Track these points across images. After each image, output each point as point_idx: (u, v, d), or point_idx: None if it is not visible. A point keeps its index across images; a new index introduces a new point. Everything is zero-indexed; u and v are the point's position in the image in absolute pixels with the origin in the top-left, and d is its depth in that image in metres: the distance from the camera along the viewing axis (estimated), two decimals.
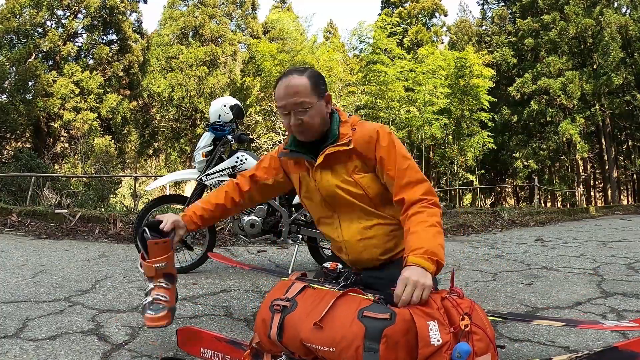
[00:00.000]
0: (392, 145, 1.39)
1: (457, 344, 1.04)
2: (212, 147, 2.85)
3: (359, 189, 1.41)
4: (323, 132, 1.45)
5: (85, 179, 11.39)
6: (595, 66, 17.66)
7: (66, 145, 18.09)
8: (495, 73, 16.68)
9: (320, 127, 1.43)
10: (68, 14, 17.98)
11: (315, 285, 1.26)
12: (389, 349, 1.05)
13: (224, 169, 2.78)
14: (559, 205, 19.97)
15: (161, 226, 1.46)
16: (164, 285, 1.42)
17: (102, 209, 6.69)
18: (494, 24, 22.22)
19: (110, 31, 19.13)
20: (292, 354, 1.17)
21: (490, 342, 1.09)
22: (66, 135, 18.26)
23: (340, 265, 1.37)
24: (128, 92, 19.95)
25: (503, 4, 22.73)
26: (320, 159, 1.40)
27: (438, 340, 1.04)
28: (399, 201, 1.36)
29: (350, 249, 1.44)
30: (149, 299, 1.40)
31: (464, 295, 1.17)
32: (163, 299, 1.40)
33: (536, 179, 19.61)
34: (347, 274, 1.34)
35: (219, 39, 23.41)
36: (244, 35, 24.54)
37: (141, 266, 1.41)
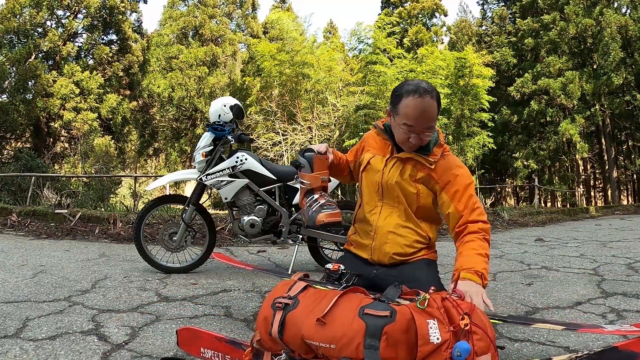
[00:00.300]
0: (466, 182, 1.53)
1: (457, 343, 1.06)
2: (212, 147, 2.85)
3: (414, 192, 1.55)
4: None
5: (85, 179, 11.39)
6: (595, 66, 17.65)
7: (66, 145, 18.10)
8: (495, 73, 16.66)
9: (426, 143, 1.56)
10: (68, 14, 17.98)
11: (317, 286, 1.28)
12: (389, 346, 1.06)
13: (224, 169, 2.78)
14: (559, 205, 19.97)
15: (317, 148, 1.59)
16: (326, 196, 1.57)
17: (102, 209, 6.69)
18: (494, 24, 22.21)
19: (110, 31, 19.12)
20: (292, 352, 1.18)
21: (491, 342, 1.09)
22: (66, 135, 18.26)
23: (342, 267, 1.42)
24: (128, 92, 19.95)
25: (503, 4, 22.72)
26: (402, 154, 1.55)
27: (437, 339, 1.06)
28: (461, 229, 1.50)
29: (379, 235, 1.55)
30: (321, 201, 1.52)
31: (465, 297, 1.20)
32: (331, 202, 1.55)
33: (536, 179, 19.60)
34: (349, 276, 1.39)
35: (219, 39, 23.41)
36: (244, 35, 24.54)
37: (301, 181, 1.56)
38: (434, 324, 1.09)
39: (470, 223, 1.49)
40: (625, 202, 21.10)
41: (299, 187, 1.63)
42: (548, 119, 18.56)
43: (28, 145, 16.82)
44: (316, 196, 1.54)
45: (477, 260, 1.39)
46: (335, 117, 13.53)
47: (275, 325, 1.18)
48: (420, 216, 1.57)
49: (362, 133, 12.20)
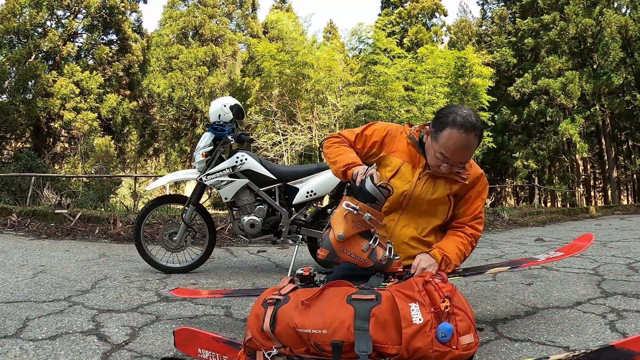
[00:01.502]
0: (482, 191, 1.63)
1: (439, 325, 1.12)
2: (212, 147, 2.84)
3: (447, 207, 1.59)
4: None
5: (85, 179, 11.39)
6: (595, 66, 17.65)
7: (66, 145, 18.10)
8: (495, 73, 16.67)
9: None
10: (68, 14, 17.99)
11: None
12: (378, 327, 1.14)
13: (224, 169, 2.78)
14: (559, 205, 19.96)
15: (377, 179, 1.39)
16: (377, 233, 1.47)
17: (102, 209, 6.69)
18: (494, 24, 22.21)
19: (110, 31, 19.13)
20: (284, 347, 1.19)
21: (471, 323, 1.16)
22: (66, 135, 18.27)
23: (312, 269, 1.47)
24: (128, 92, 19.95)
25: (503, 4, 22.72)
26: (443, 174, 1.53)
27: (420, 319, 1.13)
28: (458, 225, 1.62)
29: (394, 244, 1.51)
30: (389, 246, 1.42)
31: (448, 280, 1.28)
32: (388, 242, 1.48)
33: (536, 179, 19.60)
34: (325, 275, 1.50)
35: (219, 39, 23.41)
36: (244, 35, 24.54)
37: (369, 217, 1.34)
38: (415, 306, 1.16)
39: (469, 226, 1.60)
40: (625, 202, 21.10)
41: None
42: (548, 119, 18.56)
43: (28, 145, 16.83)
44: (378, 238, 1.41)
45: (454, 250, 1.53)
46: (335, 117, 13.53)
47: (267, 320, 1.21)
48: (438, 230, 1.63)
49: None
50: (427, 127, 1.54)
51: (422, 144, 1.57)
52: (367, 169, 1.41)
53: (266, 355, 1.19)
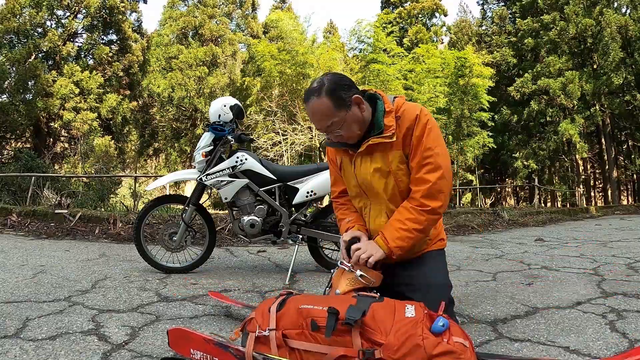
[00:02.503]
0: (422, 134, 1.42)
1: (438, 317, 1.16)
2: (212, 147, 2.84)
3: (391, 180, 1.46)
4: (366, 128, 1.46)
5: (85, 179, 11.39)
6: (595, 66, 17.65)
7: (66, 145, 18.10)
8: (495, 73, 16.67)
9: (361, 130, 1.45)
10: (68, 14, 17.98)
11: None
12: (371, 315, 1.18)
13: (224, 169, 2.78)
14: (559, 205, 19.96)
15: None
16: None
17: (102, 209, 6.69)
18: (494, 24, 22.20)
19: (110, 31, 19.12)
20: (277, 330, 1.21)
21: (467, 339, 1.17)
22: (66, 135, 18.27)
23: None
24: (128, 92, 19.95)
25: (503, 4, 22.71)
26: (362, 147, 1.45)
27: (412, 314, 1.17)
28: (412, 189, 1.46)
29: (373, 237, 1.50)
30: None
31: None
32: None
33: (536, 179, 19.60)
34: None
35: (219, 39, 23.41)
36: (244, 35, 24.54)
37: (362, 276, 1.40)
38: (412, 307, 1.21)
39: (416, 185, 1.43)
40: (625, 202, 21.09)
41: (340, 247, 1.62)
42: (548, 119, 18.55)
43: (28, 145, 16.83)
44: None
45: (396, 233, 1.41)
46: None
47: (276, 303, 1.28)
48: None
49: None
50: None
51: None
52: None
53: (257, 335, 1.21)
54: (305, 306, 1.21)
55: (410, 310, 1.18)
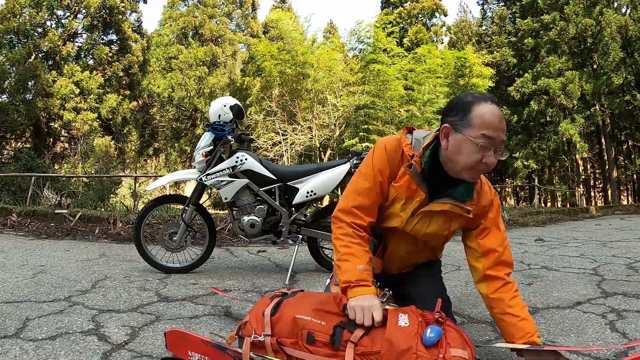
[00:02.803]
0: (497, 217, 1.40)
1: (428, 326, 1.10)
2: (212, 147, 2.84)
3: (443, 238, 1.44)
4: None
5: (85, 179, 11.38)
6: (595, 66, 17.65)
7: (66, 145, 18.09)
8: (495, 73, 16.66)
9: None
10: (68, 14, 17.98)
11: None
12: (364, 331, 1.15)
13: (224, 169, 2.78)
14: (559, 205, 19.96)
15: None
16: None
17: (102, 209, 6.69)
18: (494, 24, 22.20)
19: (110, 31, 19.12)
20: (272, 336, 1.19)
21: (466, 343, 1.11)
22: (66, 135, 18.27)
23: None
24: (128, 92, 19.95)
25: (503, 4, 22.71)
26: (436, 207, 1.31)
27: (405, 323, 1.12)
28: (496, 274, 1.37)
29: (388, 256, 1.49)
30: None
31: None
32: None
33: (536, 179, 19.59)
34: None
35: (219, 39, 23.41)
36: (244, 35, 24.54)
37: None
38: (405, 316, 1.15)
39: (505, 265, 1.37)
40: (625, 202, 21.10)
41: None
42: (548, 119, 18.55)
43: (28, 145, 16.83)
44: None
45: (530, 320, 1.31)
46: (335, 117, 13.52)
47: (270, 306, 1.24)
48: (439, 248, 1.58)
49: (362, 133, 12.22)
50: (444, 129, 1.24)
51: (424, 175, 1.29)
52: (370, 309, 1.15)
53: (252, 340, 1.20)
54: (302, 317, 1.18)
55: (403, 319, 1.14)
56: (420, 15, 26.01)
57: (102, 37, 19.02)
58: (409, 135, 1.37)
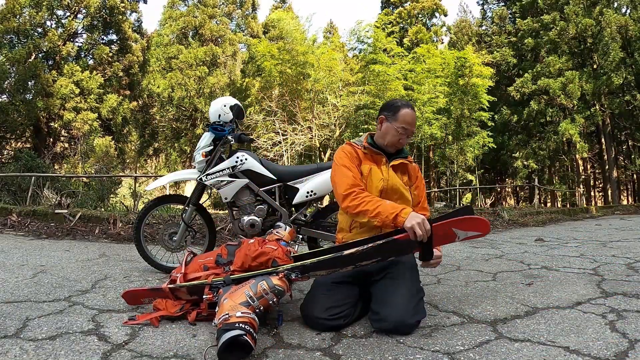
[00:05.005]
0: (422, 183, 2.19)
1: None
2: (212, 147, 2.84)
3: (408, 194, 2.06)
4: None
5: (85, 179, 11.38)
6: (595, 66, 17.65)
7: (66, 145, 18.10)
8: (495, 73, 16.67)
9: None
10: (68, 14, 17.99)
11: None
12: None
13: (224, 169, 2.78)
14: (559, 205, 19.96)
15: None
16: None
17: (102, 209, 6.69)
18: (494, 24, 22.21)
19: (110, 31, 19.13)
20: (184, 275, 1.97)
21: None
22: (66, 135, 18.27)
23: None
24: (128, 92, 19.96)
25: (503, 4, 22.72)
26: (396, 162, 2.04)
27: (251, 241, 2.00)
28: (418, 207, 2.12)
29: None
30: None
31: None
32: None
33: (536, 179, 19.59)
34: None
35: (219, 39, 23.43)
36: (244, 35, 24.56)
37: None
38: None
39: (424, 210, 2.12)
40: (625, 202, 21.10)
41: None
42: (548, 119, 18.56)
43: (28, 145, 16.83)
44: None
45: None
46: (335, 117, 13.52)
47: (184, 260, 2.06)
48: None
49: (362, 133, 12.22)
50: (380, 118, 2.04)
51: (376, 146, 2.03)
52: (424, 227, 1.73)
53: (171, 277, 1.97)
54: (201, 260, 2.00)
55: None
56: (420, 15, 26.02)
57: (102, 37, 19.03)
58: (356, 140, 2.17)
